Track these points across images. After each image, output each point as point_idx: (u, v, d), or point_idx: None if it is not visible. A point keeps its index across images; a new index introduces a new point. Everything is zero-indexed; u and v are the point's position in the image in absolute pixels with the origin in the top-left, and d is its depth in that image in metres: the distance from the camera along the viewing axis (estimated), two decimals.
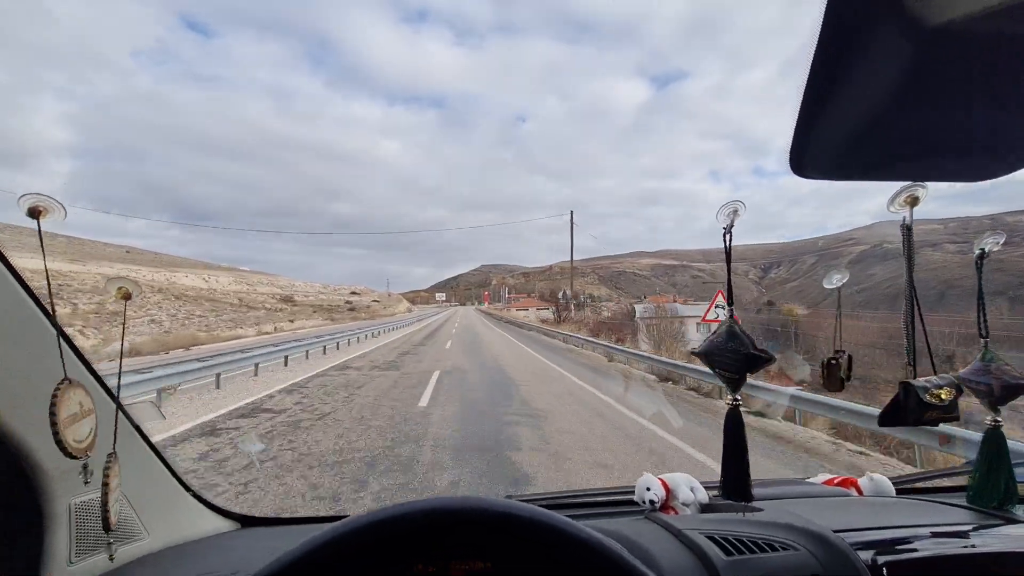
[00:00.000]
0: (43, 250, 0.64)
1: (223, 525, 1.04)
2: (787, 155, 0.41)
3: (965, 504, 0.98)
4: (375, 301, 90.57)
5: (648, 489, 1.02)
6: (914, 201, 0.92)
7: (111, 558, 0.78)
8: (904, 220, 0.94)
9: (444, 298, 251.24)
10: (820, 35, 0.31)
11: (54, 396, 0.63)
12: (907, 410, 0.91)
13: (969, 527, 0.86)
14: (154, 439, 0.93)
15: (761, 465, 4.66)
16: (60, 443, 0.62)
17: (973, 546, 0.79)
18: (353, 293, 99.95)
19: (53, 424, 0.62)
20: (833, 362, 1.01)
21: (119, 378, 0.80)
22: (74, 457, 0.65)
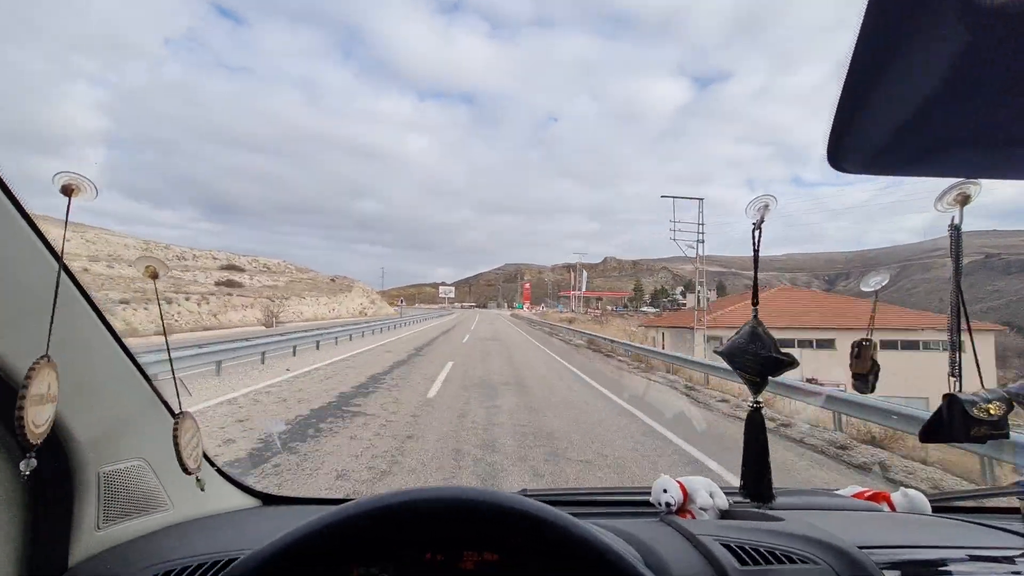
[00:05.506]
0: (66, 225, 0.66)
1: (245, 502, 1.11)
2: (825, 151, 0.40)
3: (1011, 528, 0.93)
4: (272, 286, 47.09)
5: (665, 491, 1.03)
6: (965, 199, 0.89)
7: (200, 480, 0.84)
8: (953, 220, 0.91)
9: (452, 295, 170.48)
10: (865, 15, 0.30)
11: (30, 371, 0.59)
12: (952, 425, 0.88)
13: (1016, 552, 0.81)
14: None
15: None
16: (21, 420, 0.56)
17: (1019, 573, 0.74)
18: (229, 267, 50.57)
19: (21, 398, 0.57)
20: (866, 342, 0.98)
21: (167, 349, 0.88)
22: (29, 443, 0.58)
